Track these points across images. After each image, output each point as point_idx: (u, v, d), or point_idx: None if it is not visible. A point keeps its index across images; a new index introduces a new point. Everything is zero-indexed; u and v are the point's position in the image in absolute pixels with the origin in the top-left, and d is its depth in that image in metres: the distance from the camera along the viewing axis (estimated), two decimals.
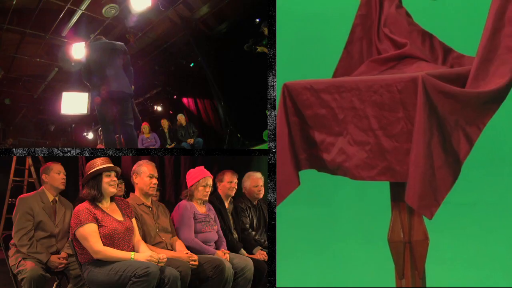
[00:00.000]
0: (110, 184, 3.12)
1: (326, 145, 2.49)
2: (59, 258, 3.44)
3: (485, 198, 4.33)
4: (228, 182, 3.87)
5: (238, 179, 3.94)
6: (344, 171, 2.46)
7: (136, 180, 3.48)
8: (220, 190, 3.89)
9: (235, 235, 3.83)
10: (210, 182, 3.66)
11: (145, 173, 3.45)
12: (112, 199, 3.19)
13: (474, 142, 2.35)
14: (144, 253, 3.06)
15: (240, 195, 4.03)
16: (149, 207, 3.48)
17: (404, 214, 2.52)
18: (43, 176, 3.62)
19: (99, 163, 3.12)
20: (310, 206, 4.36)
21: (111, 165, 3.15)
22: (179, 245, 3.45)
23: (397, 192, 2.51)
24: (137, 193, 3.50)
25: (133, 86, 5.01)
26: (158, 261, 3.01)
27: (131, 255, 3.01)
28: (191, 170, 3.70)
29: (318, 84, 2.49)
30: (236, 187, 3.90)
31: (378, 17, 2.84)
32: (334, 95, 2.44)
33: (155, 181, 3.48)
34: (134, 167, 3.50)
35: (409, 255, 2.55)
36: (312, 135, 2.52)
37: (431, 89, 2.25)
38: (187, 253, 3.34)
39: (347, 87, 2.41)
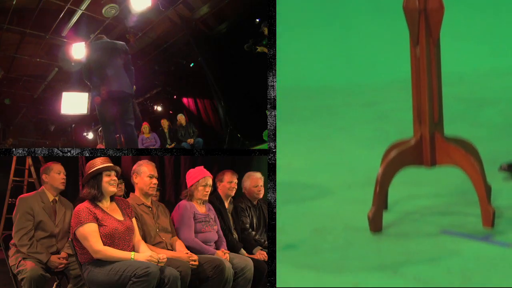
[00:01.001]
0: (110, 183, 3.12)
1: None
2: (59, 258, 3.44)
3: None
4: (228, 182, 3.86)
5: (238, 179, 3.94)
6: None
7: (136, 180, 3.48)
8: (220, 190, 3.88)
9: (235, 235, 3.83)
10: (210, 181, 3.66)
11: (145, 173, 3.44)
12: (112, 198, 3.19)
13: None
14: (144, 253, 3.06)
15: (240, 195, 4.03)
16: (149, 207, 3.48)
17: None
18: (43, 176, 3.62)
19: (99, 163, 3.12)
20: None
21: (111, 164, 3.15)
22: (179, 245, 3.45)
23: None
24: (137, 193, 3.50)
25: (134, 86, 5.01)
26: (158, 261, 3.01)
27: (131, 255, 3.01)
28: (191, 170, 3.69)
29: None
30: (236, 187, 3.89)
31: None
32: None
33: (155, 181, 3.48)
34: (134, 167, 3.50)
35: (424, 22, 2.60)
36: None
37: None
38: (187, 253, 3.34)
39: None
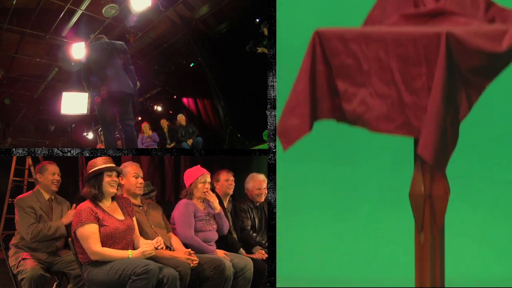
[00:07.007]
0: (111, 184, 3.11)
1: (349, 95, 2.50)
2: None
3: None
4: (225, 180, 3.86)
5: (238, 178, 3.93)
6: (363, 122, 2.48)
7: (122, 181, 3.46)
8: (218, 190, 3.88)
9: (235, 235, 3.83)
10: (209, 178, 3.66)
11: (130, 174, 3.43)
12: (113, 198, 3.19)
13: (473, 103, 2.39)
14: (140, 248, 3.06)
15: (242, 195, 4.03)
16: (139, 205, 3.48)
17: (426, 168, 2.54)
18: (37, 176, 3.61)
19: (101, 162, 3.11)
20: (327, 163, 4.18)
21: (113, 165, 3.14)
22: (175, 242, 3.44)
23: None
24: (125, 194, 3.47)
25: (138, 83, 5.01)
26: (155, 251, 3.02)
27: (128, 253, 3.01)
28: (188, 170, 3.70)
29: (347, 33, 2.49)
30: (233, 184, 3.88)
31: None
32: (362, 45, 2.46)
33: (140, 180, 3.46)
34: None
35: (429, 208, 2.57)
36: (336, 84, 2.52)
37: (454, 45, 2.25)
38: (186, 252, 3.33)
39: (375, 38, 2.43)
